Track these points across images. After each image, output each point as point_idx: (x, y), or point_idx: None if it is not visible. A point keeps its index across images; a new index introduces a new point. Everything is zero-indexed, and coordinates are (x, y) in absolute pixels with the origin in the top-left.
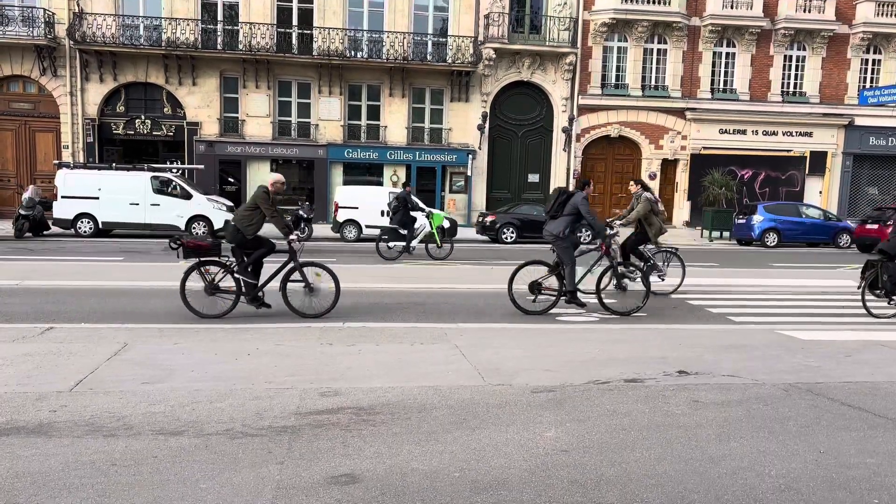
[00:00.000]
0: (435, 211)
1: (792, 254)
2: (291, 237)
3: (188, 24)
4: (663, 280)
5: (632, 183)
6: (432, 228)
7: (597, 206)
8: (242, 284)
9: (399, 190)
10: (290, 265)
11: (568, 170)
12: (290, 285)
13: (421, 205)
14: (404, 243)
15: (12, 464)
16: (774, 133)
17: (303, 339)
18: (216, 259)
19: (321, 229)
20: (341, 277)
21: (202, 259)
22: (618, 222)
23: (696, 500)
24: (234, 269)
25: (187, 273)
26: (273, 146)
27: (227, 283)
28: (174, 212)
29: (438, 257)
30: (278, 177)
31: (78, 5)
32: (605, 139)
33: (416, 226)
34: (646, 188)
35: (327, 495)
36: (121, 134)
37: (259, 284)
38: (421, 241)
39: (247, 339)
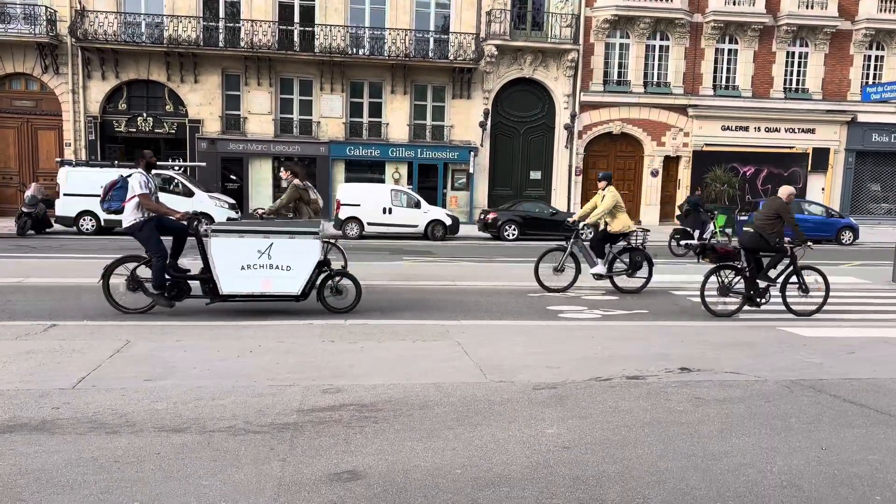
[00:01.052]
0: (717, 213)
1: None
2: (807, 244)
3: (190, 22)
4: None
5: (282, 169)
6: (716, 227)
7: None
8: (753, 285)
9: (691, 197)
10: (791, 268)
11: (570, 167)
12: (788, 285)
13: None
14: (694, 241)
15: (16, 461)
16: (777, 130)
17: (305, 336)
18: (731, 263)
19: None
20: None
21: (721, 264)
22: (261, 209)
23: (697, 496)
24: (747, 272)
25: (707, 276)
26: (275, 143)
27: (740, 285)
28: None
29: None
30: (791, 189)
31: (80, 3)
32: (607, 136)
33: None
34: (296, 175)
35: (329, 492)
36: (123, 131)
37: (766, 286)
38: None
39: (249, 337)
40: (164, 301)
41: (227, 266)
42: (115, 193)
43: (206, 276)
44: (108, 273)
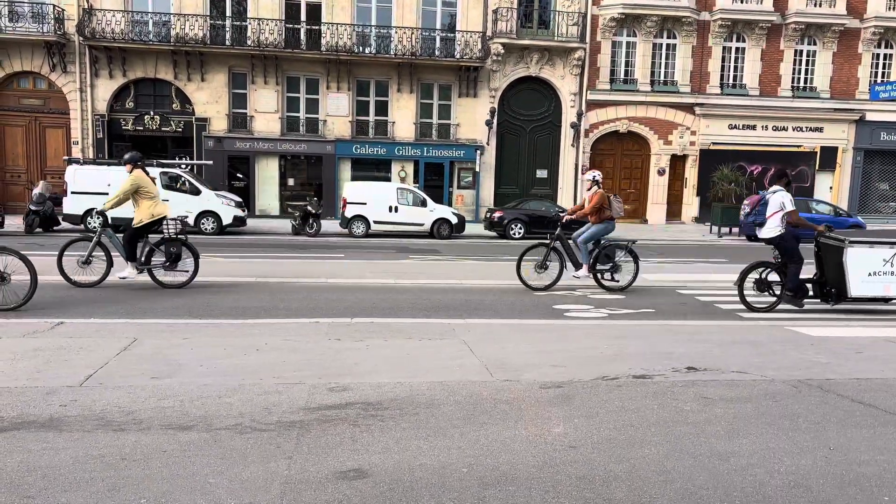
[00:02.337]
0: None
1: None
2: None
3: (197, 20)
4: None
5: None
6: None
7: None
8: None
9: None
10: None
11: (576, 165)
12: None
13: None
14: None
15: (23, 458)
16: (784, 128)
17: (311, 334)
18: None
19: (329, 225)
20: (348, 273)
21: None
22: None
23: (704, 496)
24: None
25: None
26: (281, 142)
27: None
28: (183, 207)
29: None
30: None
31: (87, 1)
32: (613, 134)
33: None
34: None
35: (335, 490)
36: (130, 130)
37: None
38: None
39: (255, 335)
40: (794, 301)
41: (858, 272)
42: (761, 208)
43: (822, 280)
44: (743, 277)
